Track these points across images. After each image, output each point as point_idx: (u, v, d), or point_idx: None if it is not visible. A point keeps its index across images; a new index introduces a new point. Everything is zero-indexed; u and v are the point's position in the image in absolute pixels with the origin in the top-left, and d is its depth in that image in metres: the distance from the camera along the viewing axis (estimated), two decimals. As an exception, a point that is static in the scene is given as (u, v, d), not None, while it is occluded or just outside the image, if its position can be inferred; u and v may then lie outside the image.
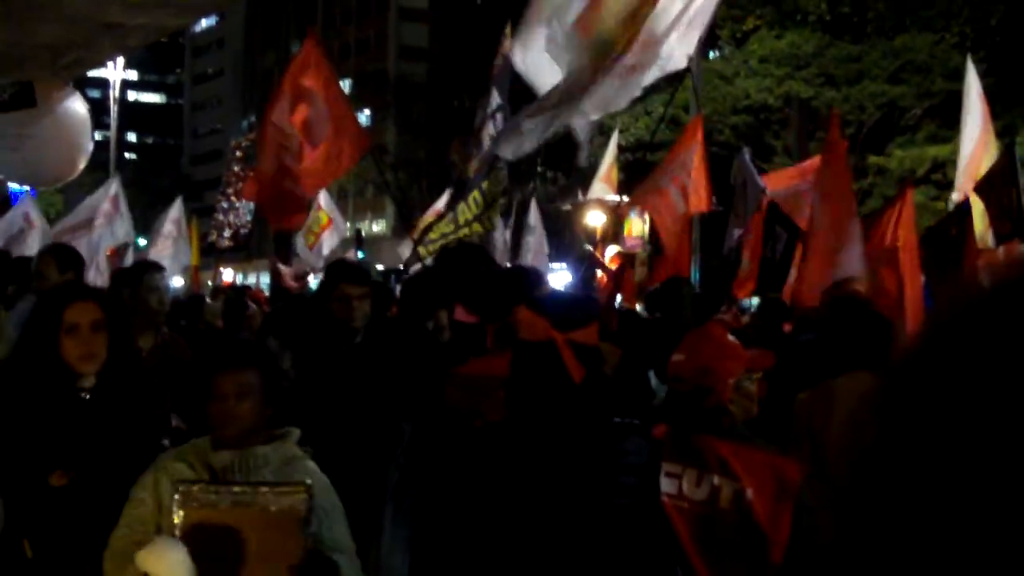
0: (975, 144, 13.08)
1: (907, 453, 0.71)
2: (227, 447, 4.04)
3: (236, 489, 3.84)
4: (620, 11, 8.79)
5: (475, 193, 11.65)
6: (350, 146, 9.91)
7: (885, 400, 0.76)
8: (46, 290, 6.59)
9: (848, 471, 0.78)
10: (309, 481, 3.85)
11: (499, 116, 11.66)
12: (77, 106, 13.00)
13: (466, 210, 11.64)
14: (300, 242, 21.54)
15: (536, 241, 15.87)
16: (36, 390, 4.58)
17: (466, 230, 11.55)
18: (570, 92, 8.87)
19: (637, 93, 10.04)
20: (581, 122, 9.12)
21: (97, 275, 15.53)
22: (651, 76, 9.90)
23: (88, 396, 4.65)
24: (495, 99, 12.03)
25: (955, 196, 12.71)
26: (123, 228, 17.14)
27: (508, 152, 9.81)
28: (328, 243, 21.48)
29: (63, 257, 7.62)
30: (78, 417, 4.58)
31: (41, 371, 4.60)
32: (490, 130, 11.92)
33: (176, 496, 3.77)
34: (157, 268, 7.64)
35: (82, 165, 13.66)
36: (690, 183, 13.47)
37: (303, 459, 4.16)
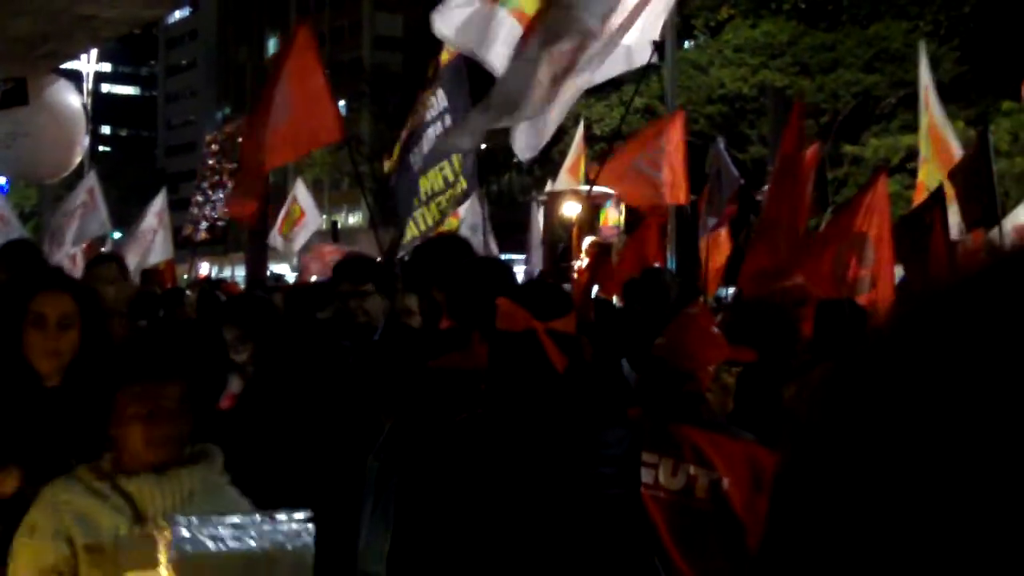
0: (933, 131, 13.15)
1: (847, 445, 0.73)
2: (138, 471, 3.33)
3: (232, 524, 3.01)
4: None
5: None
6: (317, 130, 10.00)
7: (833, 389, 0.77)
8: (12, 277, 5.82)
9: (788, 454, 0.79)
10: (305, 513, 3.07)
11: (447, 118, 11.61)
12: (71, 100, 12.89)
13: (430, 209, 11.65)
14: (275, 235, 21.50)
15: (478, 241, 15.81)
16: None
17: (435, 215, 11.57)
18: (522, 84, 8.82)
19: (597, 81, 10.02)
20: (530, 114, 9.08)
21: (72, 268, 15.48)
22: (614, 69, 9.88)
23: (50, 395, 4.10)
24: (442, 101, 11.96)
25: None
26: (98, 221, 17.11)
27: (466, 143, 9.80)
28: (302, 236, 21.45)
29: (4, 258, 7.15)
30: (35, 416, 4.00)
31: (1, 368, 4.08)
32: (435, 131, 11.88)
33: (159, 550, 2.98)
34: (108, 259, 7.55)
35: (78, 159, 13.50)
36: (668, 175, 13.53)
37: (225, 486, 3.53)
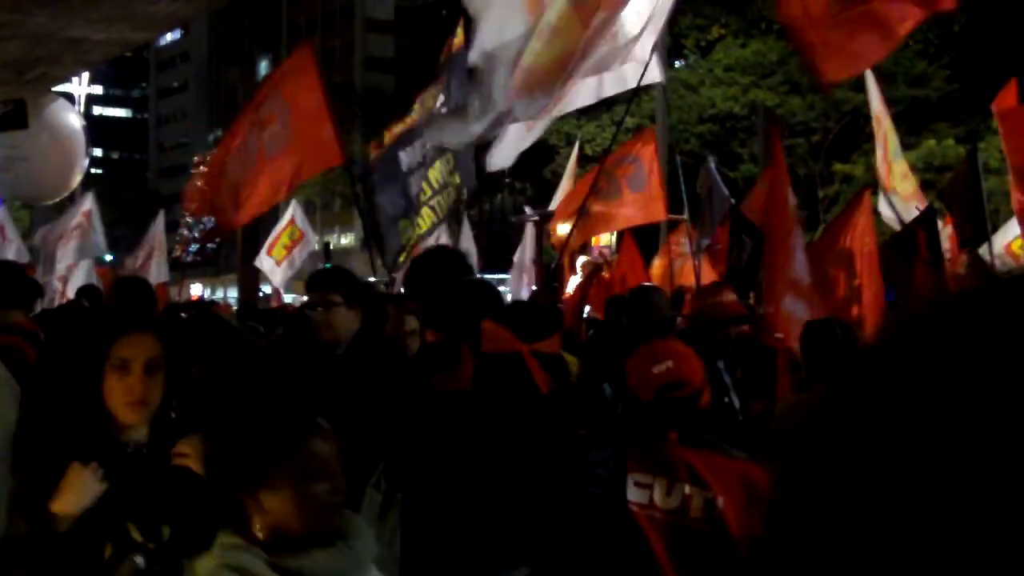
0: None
1: (834, 465, 0.73)
2: (303, 547, 2.82)
3: None
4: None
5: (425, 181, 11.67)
6: (318, 154, 9.95)
7: (825, 408, 0.78)
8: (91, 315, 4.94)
9: (780, 468, 0.80)
10: None
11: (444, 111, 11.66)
12: (71, 120, 12.84)
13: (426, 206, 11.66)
14: (263, 257, 21.41)
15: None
16: (71, 446, 3.47)
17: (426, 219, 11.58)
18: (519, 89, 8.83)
19: (590, 101, 10.05)
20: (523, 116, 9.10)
21: (62, 291, 15.49)
22: (614, 87, 9.91)
23: (143, 451, 3.60)
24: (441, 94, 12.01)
25: (884, 209, 12.79)
26: (94, 243, 17.12)
27: (453, 141, 9.83)
28: (299, 257, 21.42)
29: None
30: (129, 481, 3.46)
31: (78, 421, 3.51)
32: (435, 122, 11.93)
33: None
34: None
35: (78, 179, 13.44)
36: (643, 193, 13.56)
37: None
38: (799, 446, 0.77)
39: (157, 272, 18.31)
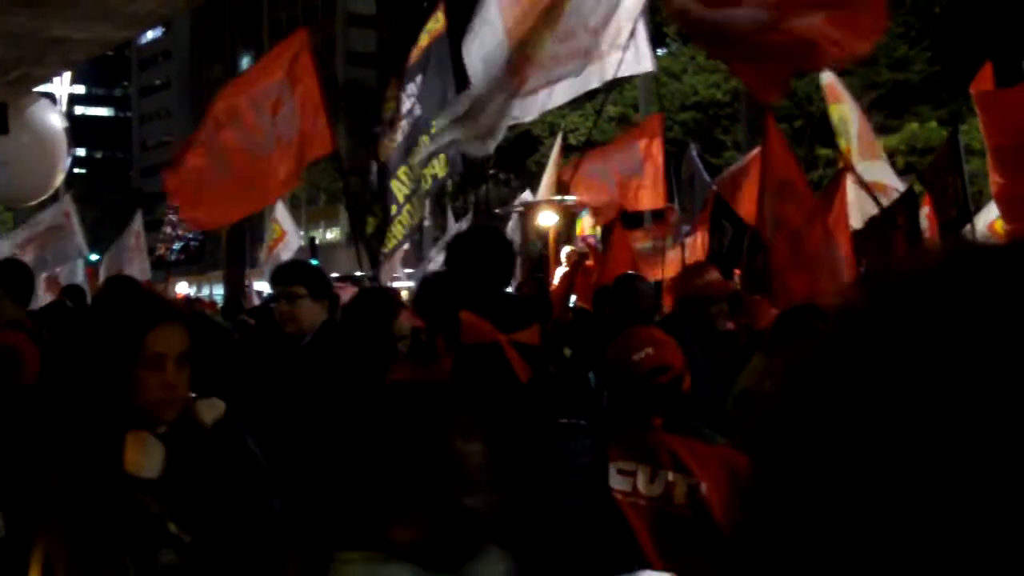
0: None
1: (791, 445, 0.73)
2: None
3: None
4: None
5: (401, 169, 11.64)
6: (312, 143, 9.87)
7: (788, 383, 0.77)
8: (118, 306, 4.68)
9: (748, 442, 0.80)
10: None
11: (416, 107, 11.66)
12: (52, 120, 12.67)
13: (400, 188, 11.64)
14: (261, 255, 21.42)
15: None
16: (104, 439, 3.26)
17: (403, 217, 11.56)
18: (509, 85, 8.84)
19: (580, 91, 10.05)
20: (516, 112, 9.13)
21: (46, 293, 15.43)
22: (602, 75, 9.92)
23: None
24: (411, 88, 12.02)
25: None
26: (74, 245, 17.02)
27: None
28: (284, 255, 21.39)
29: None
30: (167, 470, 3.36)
31: (110, 418, 3.29)
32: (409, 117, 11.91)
33: None
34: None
35: (60, 181, 13.28)
36: (648, 178, 13.58)
37: None
38: (763, 426, 0.77)
39: (139, 271, 18.25)
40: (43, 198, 13.85)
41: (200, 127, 10.61)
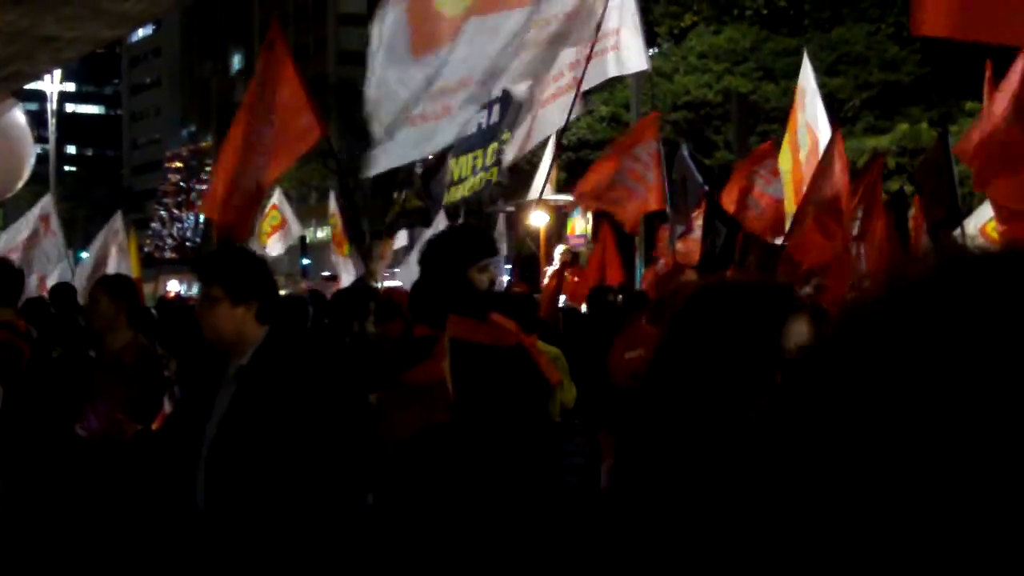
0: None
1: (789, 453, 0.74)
2: None
3: None
4: None
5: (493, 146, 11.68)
6: (301, 133, 9.83)
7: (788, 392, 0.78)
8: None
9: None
10: None
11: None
12: (16, 116, 12.60)
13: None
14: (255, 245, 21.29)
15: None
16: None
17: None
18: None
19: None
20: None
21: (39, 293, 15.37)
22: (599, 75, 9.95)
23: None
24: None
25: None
26: (55, 248, 16.96)
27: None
28: (281, 244, 21.30)
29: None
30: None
31: None
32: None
33: None
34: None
35: (27, 174, 13.21)
36: (652, 180, 13.63)
37: None
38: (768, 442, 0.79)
39: (120, 267, 18.17)
40: (13, 192, 13.75)
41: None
